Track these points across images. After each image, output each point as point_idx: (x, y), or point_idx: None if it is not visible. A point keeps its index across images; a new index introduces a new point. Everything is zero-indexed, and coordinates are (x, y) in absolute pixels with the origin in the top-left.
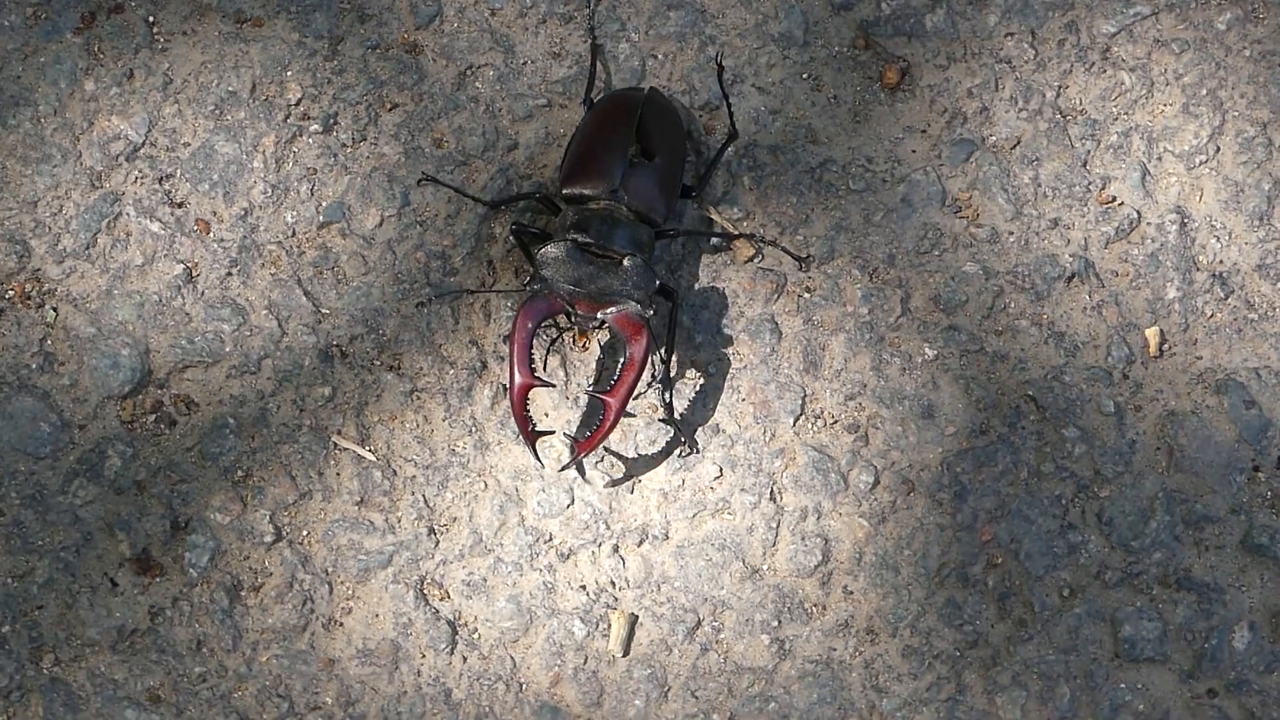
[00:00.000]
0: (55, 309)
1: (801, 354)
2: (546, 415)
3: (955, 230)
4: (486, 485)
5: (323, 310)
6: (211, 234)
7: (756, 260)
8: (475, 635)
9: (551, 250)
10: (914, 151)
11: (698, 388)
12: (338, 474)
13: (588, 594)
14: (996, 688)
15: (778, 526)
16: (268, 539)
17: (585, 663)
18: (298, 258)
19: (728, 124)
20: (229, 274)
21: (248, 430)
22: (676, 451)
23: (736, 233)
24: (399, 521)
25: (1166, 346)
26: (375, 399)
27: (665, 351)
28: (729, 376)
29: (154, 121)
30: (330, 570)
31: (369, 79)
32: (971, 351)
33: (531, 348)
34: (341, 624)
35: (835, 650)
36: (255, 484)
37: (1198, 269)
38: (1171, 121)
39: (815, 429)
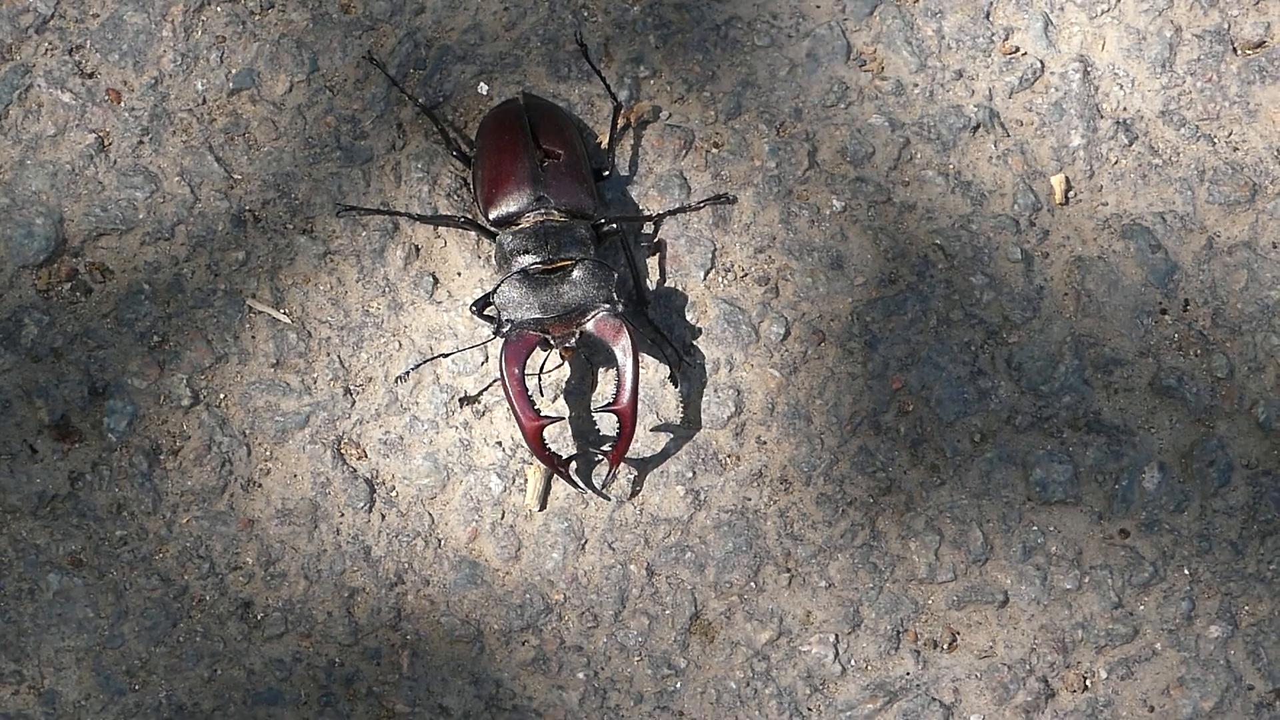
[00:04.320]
0: None
1: (710, 208)
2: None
3: (861, 83)
4: (401, 345)
5: (235, 176)
6: (122, 103)
7: (664, 118)
8: (393, 493)
9: (506, 290)
10: (818, 6)
11: (608, 245)
12: (253, 337)
13: (504, 450)
14: (910, 533)
15: (690, 379)
16: (185, 403)
17: (502, 517)
18: (209, 125)
19: (607, 94)
20: (141, 142)
21: (163, 296)
22: (665, 378)
23: (661, 211)
24: (315, 383)
25: (1072, 193)
26: (289, 262)
27: (634, 278)
28: (639, 232)
29: None
30: (248, 432)
31: None
32: (879, 202)
33: (526, 388)
34: (260, 485)
35: (750, 500)
36: (171, 349)
37: (1101, 116)
38: None
39: (726, 282)
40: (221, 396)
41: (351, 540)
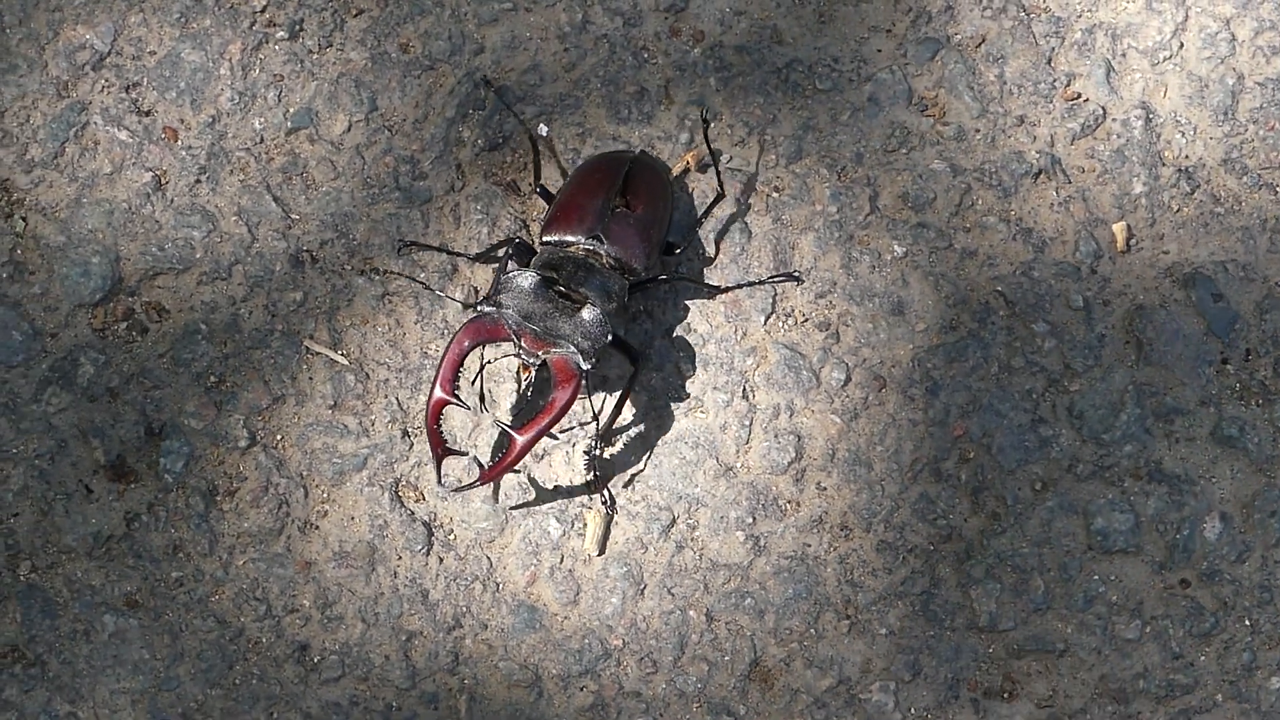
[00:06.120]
0: (24, 218)
1: (771, 253)
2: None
3: (922, 128)
4: (460, 388)
5: (292, 216)
6: (179, 141)
7: (724, 160)
8: (451, 536)
9: (516, 279)
10: (879, 51)
11: (670, 288)
12: (310, 378)
13: (563, 493)
14: (970, 581)
15: (750, 424)
16: (242, 444)
17: (561, 562)
18: (266, 164)
19: (716, 183)
20: (198, 181)
21: (219, 336)
22: (599, 502)
23: (723, 286)
24: (373, 424)
25: (1134, 241)
26: (346, 303)
27: (616, 406)
28: (700, 276)
29: (119, 30)
30: (305, 474)
31: None
32: (940, 248)
33: (460, 364)
34: (317, 527)
35: (810, 546)
36: (228, 389)
37: (1163, 164)
38: (1135, 18)
39: (786, 327)
40: (279, 438)
41: (409, 583)
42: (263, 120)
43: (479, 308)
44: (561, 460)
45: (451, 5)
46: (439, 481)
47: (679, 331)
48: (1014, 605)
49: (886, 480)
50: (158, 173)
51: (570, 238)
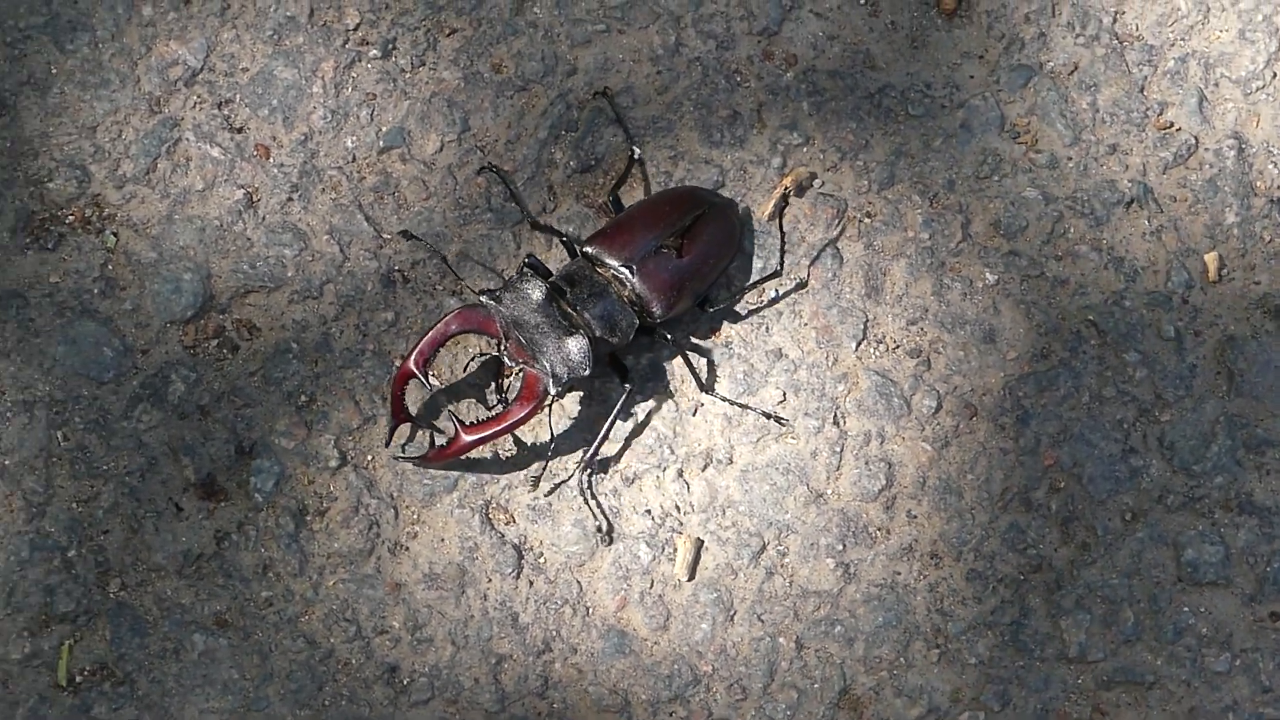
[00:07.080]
0: (116, 234)
1: (863, 279)
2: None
3: (1014, 156)
4: (550, 409)
5: (384, 235)
6: (272, 159)
7: (817, 185)
8: (541, 560)
9: (526, 283)
10: (972, 77)
11: (760, 313)
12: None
13: (653, 518)
14: (1060, 611)
15: (841, 451)
16: (333, 464)
17: (651, 587)
18: (358, 183)
19: (777, 259)
20: (290, 199)
21: (310, 355)
22: (596, 537)
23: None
24: None
25: (1225, 271)
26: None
27: (600, 437)
28: (791, 301)
29: (212, 46)
30: (396, 495)
31: (427, 4)
32: (1032, 276)
33: (440, 346)
34: (407, 548)
35: (900, 574)
36: (319, 409)
37: (1255, 194)
38: (1228, 47)
39: (878, 354)
40: (369, 458)
41: (499, 606)
42: (355, 139)
43: (480, 297)
44: (652, 483)
45: (544, 26)
46: (386, 444)
47: (768, 357)
48: (1103, 636)
49: (977, 509)
50: (249, 190)
51: (606, 259)
